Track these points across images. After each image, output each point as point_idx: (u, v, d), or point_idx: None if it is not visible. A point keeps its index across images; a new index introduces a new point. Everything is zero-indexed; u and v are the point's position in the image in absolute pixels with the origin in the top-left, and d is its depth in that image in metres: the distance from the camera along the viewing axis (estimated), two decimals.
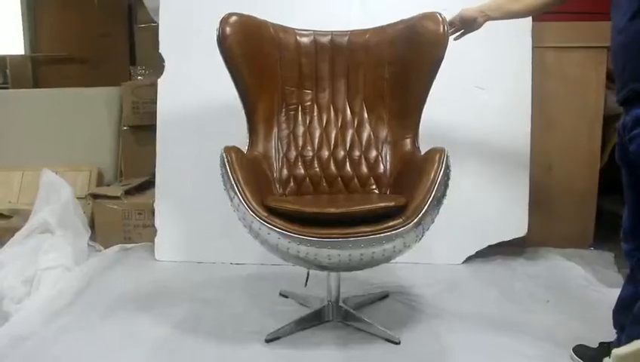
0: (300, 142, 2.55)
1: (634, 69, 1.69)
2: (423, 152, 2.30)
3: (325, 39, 2.59)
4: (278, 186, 2.47)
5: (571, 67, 3.14)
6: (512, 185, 3.03)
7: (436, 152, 2.14)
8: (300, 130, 2.56)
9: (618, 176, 1.91)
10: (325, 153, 2.54)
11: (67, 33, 5.18)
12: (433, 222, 2.12)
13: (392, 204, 2.07)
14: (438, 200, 2.08)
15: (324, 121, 2.57)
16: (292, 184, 2.51)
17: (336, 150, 2.54)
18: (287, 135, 2.55)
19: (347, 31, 2.59)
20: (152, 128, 3.21)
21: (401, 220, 2.00)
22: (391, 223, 1.99)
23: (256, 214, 2.03)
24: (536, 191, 3.07)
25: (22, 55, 5.23)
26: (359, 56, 2.55)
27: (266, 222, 2.01)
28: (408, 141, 2.42)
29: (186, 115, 3.10)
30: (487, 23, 2.30)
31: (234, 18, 2.43)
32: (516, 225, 3.03)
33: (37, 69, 5.24)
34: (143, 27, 4.07)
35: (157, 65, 3.28)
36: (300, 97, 2.58)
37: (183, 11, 3.12)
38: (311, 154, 2.54)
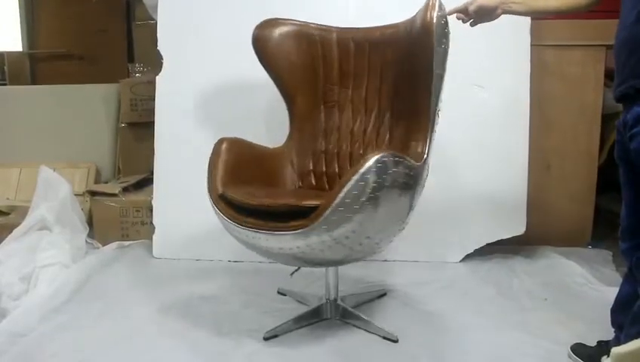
0: (329, 139, 2.58)
1: (635, 65, 1.69)
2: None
3: (361, 35, 2.58)
4: (297, 179, 2.54)
5: (570, 66, 3.14)
6: (511, 183, 3.03)
7: (367, 157, 1.92)
8: (332, 126, 2.59)
9: (616, 175, 1.91)
10: (347, 151, 2.55)
11: (65, 30, 5.17)
12: (354, 232, 1.94)
13: (299, 203, 2.00)
14: (350, 209, 1.88)
15: (356, 119, 2.58)
16: (311, 178, 2.55)
17: (356, 148, 2.54)
18: (321, 130, 2.59)
19: (380, 26, 2.56)
20: (150, 125, 3.21)
21: (302, 222, 1.94)
22: (291, 223, 1.97)
23: (211, 198, 2.24)
24: (534, 190, 3.07)
25: (19, 51, 5.22)
26: (389, 52, 2.51)
27: (215, 206, 2.22)
28: (418, 144, 2.20)
29: (184, 112, 3.10)
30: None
31: (269, 21, 2.53)
32: (514, 224, 3.03)
33: (35, 66, 5.23)
34: (141, 24, 4.06)
35: (155, 63, 3.28)
36: (339, 95, 2.61)
37: (182, 8, 3.11)
38: (335, 151, 2.56)
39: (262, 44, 2.51)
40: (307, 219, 1.94)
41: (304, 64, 2.57)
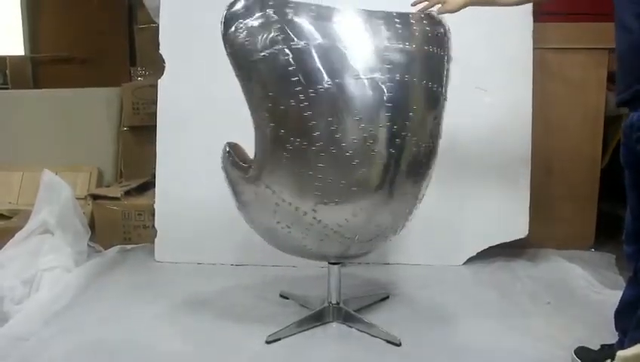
0: None
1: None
2: None
3: None
4: None
5: (572, 68, 3.14)
6: (513, 186, 3.03)
7: None
8: None
9: (619, 178, 1.91)
10: None
11: (67, 33, 5.17)
12: None
13: None
14: None
15: None
16: None
17: None
18: None
19: None
20: (152, 129, 3.20)
21: None
22: None
23: None
24: (537, 193, 3.06)
25: (21, 55, 5.22)
26: None
27: None
28: None
29: (187, 116, 3.09)
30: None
31: None
32: (517, 227, 3.02)
33: (37, 70, 5.23)
34: (143, 27, 4.06)
35: (157, 66, 3.27)
36: None
37: (184, 12, 3.11)
38: None
39: None
40: None
41: None
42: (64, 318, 2.42)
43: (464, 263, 3.05)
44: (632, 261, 1.87)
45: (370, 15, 2.03)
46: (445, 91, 2.13)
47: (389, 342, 2.20)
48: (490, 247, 3.04)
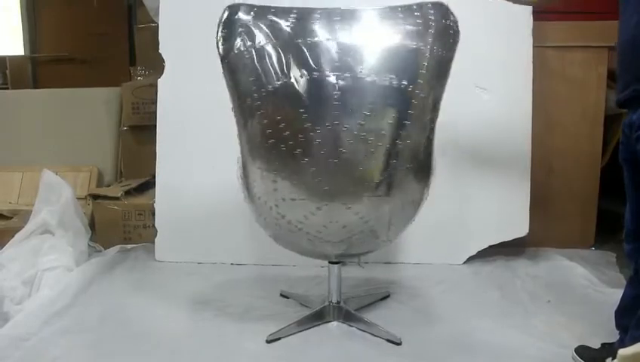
0: None
1: (638, 68, 1.68)
2: None
3: None
4: None
5: (572, 67, 3.14)
6: (513, 184, 3.03)
7: None
8: None
9: (619, 176, 1.91)
10: None
11: (67, 33, 5.19)
12: None
13: None
14: None
15: None
16: None
17: None
18: None
19: None
20: (151, 128, 3.21)
21: None
22: None
23: None
24: (537, 191, 3.06)
25: (21, 55, 5.23)
26: None
27: None
28: None
29: (186, 116, 3.09)
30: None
31: None
32: (517, 226, 3.02)
33: (36, 70, 5.25)
34: (142, 27, 4.06)
35: (157, 66, 3.27)
36: None
37: (183, 11, 3.11)
38: None
39: None
40: None
41: None
42: (64, 318, 2.42)
43: (464, 262, 3.05)
44: (632, 259, 1.88)
45: (331, 13, 2.02)
46: (420, 87, 2.00)
47: (389, 341, 2.20)
48: (491, 246, 3.03)
